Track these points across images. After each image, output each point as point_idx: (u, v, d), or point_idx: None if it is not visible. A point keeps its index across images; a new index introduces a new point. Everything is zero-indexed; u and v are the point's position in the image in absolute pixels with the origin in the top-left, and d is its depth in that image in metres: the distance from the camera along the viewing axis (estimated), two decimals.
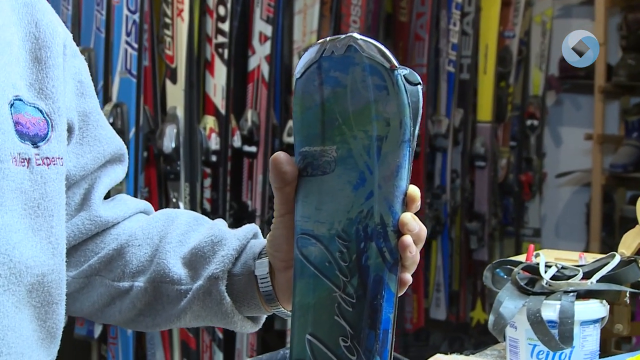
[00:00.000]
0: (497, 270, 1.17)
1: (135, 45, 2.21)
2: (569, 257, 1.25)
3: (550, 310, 1.07)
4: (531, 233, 3.52)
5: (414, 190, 0.72)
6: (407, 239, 0.70)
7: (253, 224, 0.91)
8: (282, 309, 0.86)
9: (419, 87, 0.71)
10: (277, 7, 2.53)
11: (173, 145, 2.29)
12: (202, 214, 2.39)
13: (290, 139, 2.58)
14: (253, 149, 2.54)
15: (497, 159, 3.33)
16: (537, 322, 1.06)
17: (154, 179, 2.34)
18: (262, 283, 0.85)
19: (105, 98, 2.23)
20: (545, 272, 1.12)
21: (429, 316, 3.19)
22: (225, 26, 2.42)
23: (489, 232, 3.30)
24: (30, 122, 0.80)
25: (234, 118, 2.50)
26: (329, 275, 0.72)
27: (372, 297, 0.70)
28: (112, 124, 2.19)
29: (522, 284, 1.10)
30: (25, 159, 0.78)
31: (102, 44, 2.22)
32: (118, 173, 0.95)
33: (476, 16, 3.18)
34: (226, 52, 2.42)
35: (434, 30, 3.04)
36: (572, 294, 1.09)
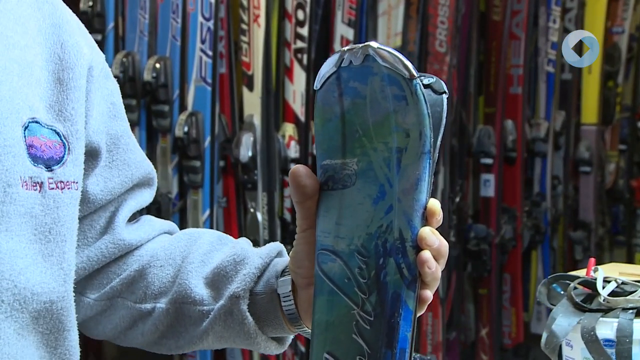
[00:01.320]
0: (554, 285, 1.11)
1: (210, 53, 2.18)
2: (636, 272, 1.15)
3: (607, 328, 1.00)
4: None
5: (434, 204, 0.69)
6: (426, 254, 0.68)
7: (278, 243, 0.89)
8: (306, 328, 0.84)
9: (444, 96, 0.70)
10: (360, 10, 2.44)
11: (250, 154, 2.25)
12: (282, 223, 2.40)
13: None
14: None
15: (605, 164, 3.14)
16: (591, 341, 0.99)
17: (232, 188, 2.30)
18: (284, 301, 0.83)
19: (181, 107, 2.22)
20: (604, 287, 1.04)
21: (529, 331, 3.03)
22: (305, 31, 2.36)
23: (596, 242, 3.12)
24: (46, 144, 0.79)
25: None
26: (347, 292, 0.70)
27: (390, 315, 0.68)
28: (186, 133, 2.21)
29: (577, 300, 1.04)
30: (38, 182, 0.77)
31: (177, 52, 2.21)
32: (145, 197, 0.93)
33: (579, 12, 3.00)
34: (305, 57, 2.36)
35: (532, 28, 2.89)
36: (630, 311, 1.01)
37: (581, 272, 1.13)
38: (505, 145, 2.87)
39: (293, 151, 2.36)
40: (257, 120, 2.28)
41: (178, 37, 2.21)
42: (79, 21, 0.88)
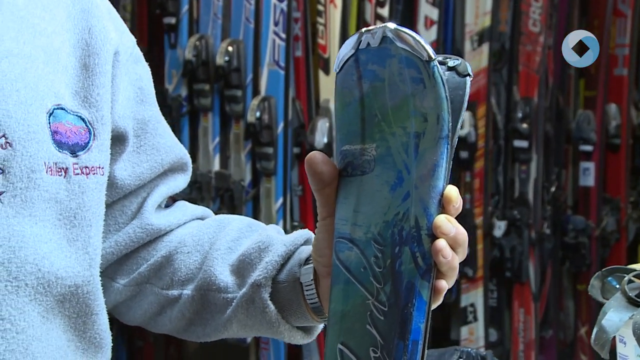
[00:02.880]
0: (609, 278, 1.05)
1: (283, 36, 2.11)
2: None
3: None
4: None
5: (451, 191, 0.67)
6: (440, 242, 0.67)
7: (307, 230, 0.87)
8: None
9: (467, 78, 0.68)
10: None
11: (325, 140, 2.16)
12: None
13: (460, 131, 2.37)
14: None
15: None
16: None
17: (306, 176, 2.22)
18: (307, 290, 0.83)
19: (254, 91, 2.16)
20: None
21: None
22: (385, 11, 2.25)
23: None
24: (71, 130, 0.80)
25: None
26: (363, 281, 0.69)
27: (403, 305, 0.67)
28: (259, 119, 2.15)
29: (631, 294, 1.00)
30: (63, 168, 0.78)
31: (251, 35, 2.14)
32: (179, 182, 0.93)
33: None
34: None
35: (639, 4, 2.67)
36: None
37: (638, 266, 1.06)
38: (607, 131, 2.67)
39: None
40: (333, 106, 2.19)
41: (251, 19, 2.15)
42: (110, 5, 0.88)
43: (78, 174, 0.79)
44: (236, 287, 0.85)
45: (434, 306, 0.69)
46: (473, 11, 2.40)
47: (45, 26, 0.80)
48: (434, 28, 2.32)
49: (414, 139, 0.67)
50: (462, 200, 0.69)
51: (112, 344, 0.85)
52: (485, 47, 2.38)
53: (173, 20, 2.16)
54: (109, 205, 0.86)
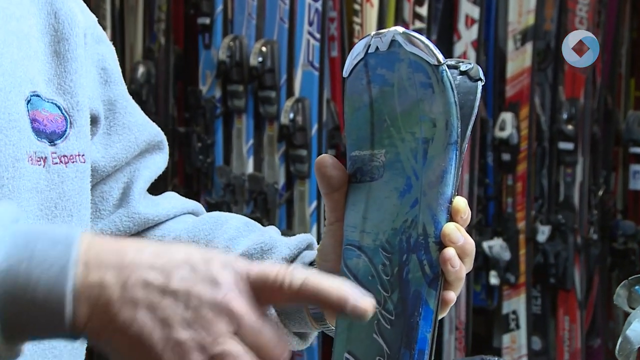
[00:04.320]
0: (637, 287, 1.03)
1: (318, 36, 2.08)
2: None
3: None
4: None
5: (460, 201, 0.67)
6: (449, 251, 0.67)
7: (309, 234, 0.87)
8: (330, 326, 0.80)
9: (479, 83, 0.68)
10: None
11: None
12: None
13: (502, 133, 2.30)
14: None
15: None
16: None
17: None
18: None
19: (288, 92, 2.12)
20: None
21: None
22: (424, 10, 2.21)
23: None
24: (48, 119, 0.78)
25: None
26: (371, 289, 0.68)
27: (410, 314, 0.67)
28: (292, 121, 2.12)
29: None
30: (42, 157, 0.76)
31: (285, 35, 2.11)
32: (158, 163, 0.91)
33: None
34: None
35: None
36: None
37: None
38: None
39: None
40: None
41: (286, 19, 2.12)
42: None
43: (57, 163, 0.77)
44: None
45: (440, 317, 0.69)
46: (516, 9, 2.34)
47: (13, 10, 0.78)
48: (475, 27, 2.27)
49: (422, 145, 0.67)
50: (470, 212, 0.68)
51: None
52: (528, 46, 2.31)
53: (207, 21, 2.14)
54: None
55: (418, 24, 2.21)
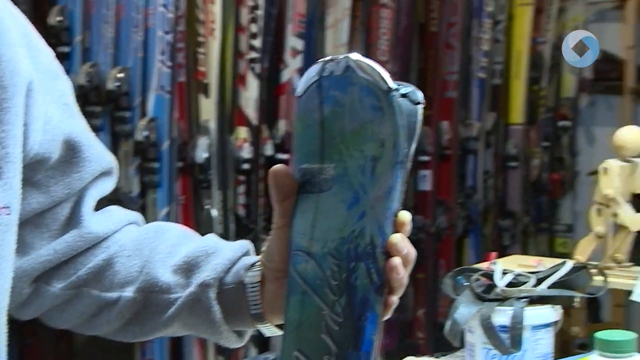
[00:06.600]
0: (458, 277, 1.21)
1: (169, 64, 2.37)
2: (531, 264, 1.30)
3: (502, 316, 1.12)
4: (564, 229, 3.57)
5: (404, 215, 0.72)
6: (396, 260, 0.71)
7: (247, 241, 0.91)
8: (269, 324, 0.86)
9: (419, 106, 0.72)
10: (308, 23, 2.62)
11: (205, 155, 2.44)
12: (236, 219, 2.59)
13: None
14: (286, 156, 2.66)
15: (529, 160, 3.39)
16: (488, 328, 1.12)
17: (188, 187, 2.50)
18: (250, 291, 0.85)
19: (141, 114, 2.39)
20: (503, 278, 1.16)
21: None
22: (257, 42, 2.54)
23: (521, 229, 3.37)
24: None
25: (267, 128, 2.64)
26: (319, 293, 0.73)
27: (357, 318, 0.71)
28: (146, 137, 2.39)
29: (477, 290, 1.16)
30: None
31: (139, 63, 2.37)
32: (106, 186, 0.93)
33: (508, 24, 3.23)
34: (258, 66, 2.55)
35: (465, 38, 3.11)
36: (523, 300, 1.13)
37: (483, 265, 1.24)
38: (440, 144, 3.07)
39: (247, 152, 2.56)
40: (212, 125, 2.48)
41: (140, 49, 2.38)
42: (25, 22, 0.84)
43: None
44: (179, 287, 0.87)
45: (383, 319, 0.73)
46: (332, 43, 2.68)
47: None
48: (299, 57, 2.61)
49: (370, 162, 0.71)
50: (412, 224, 0.73)
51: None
52: None
53: (67, 49, 2.35)
54: (39, 214, 0.86)
55: (252, 54, 2.54)
